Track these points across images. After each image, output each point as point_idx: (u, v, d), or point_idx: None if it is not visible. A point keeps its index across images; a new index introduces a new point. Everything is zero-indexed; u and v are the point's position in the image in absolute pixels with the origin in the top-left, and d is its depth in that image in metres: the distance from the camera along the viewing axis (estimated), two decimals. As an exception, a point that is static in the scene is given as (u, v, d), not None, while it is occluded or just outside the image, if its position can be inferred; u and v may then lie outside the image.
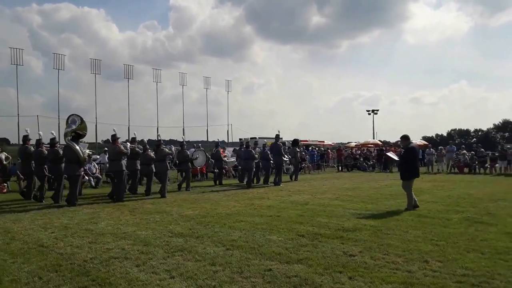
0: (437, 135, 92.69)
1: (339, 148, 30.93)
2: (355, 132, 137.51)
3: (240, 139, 39.30)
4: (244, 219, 7.81)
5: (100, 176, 16.13)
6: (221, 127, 54.63)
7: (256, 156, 16.15)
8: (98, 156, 18.38)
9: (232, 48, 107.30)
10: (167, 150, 13.01)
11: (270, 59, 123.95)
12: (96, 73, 40.47)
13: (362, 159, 27.66)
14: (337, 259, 4.97)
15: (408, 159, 9.17)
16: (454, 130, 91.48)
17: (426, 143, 35.03)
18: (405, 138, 9.53)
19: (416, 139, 37.00)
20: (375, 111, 53.13)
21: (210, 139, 45.29)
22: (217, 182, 16.77)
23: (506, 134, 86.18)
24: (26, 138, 12.03)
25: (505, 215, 7.88)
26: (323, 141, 42.06)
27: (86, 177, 15.72)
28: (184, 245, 5.77)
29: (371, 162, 27.30)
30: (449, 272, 4.39)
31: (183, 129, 44.94)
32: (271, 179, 16.45)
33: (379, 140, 41.95)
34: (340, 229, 6.72)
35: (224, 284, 4.16)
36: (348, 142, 41.31)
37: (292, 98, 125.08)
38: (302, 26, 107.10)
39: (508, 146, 26.56)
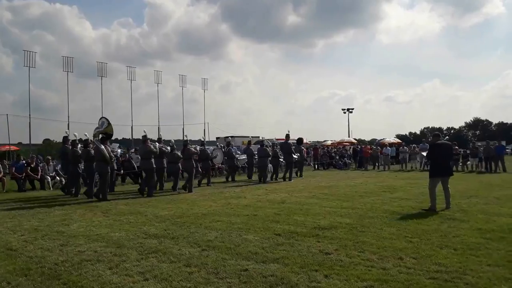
0: (410, 133, 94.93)
1: (315, 147, 31.13)
2: (331, 131, 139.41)
3: (217, 138, 39.25)
4: (220, 219, 7.75)
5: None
6: (198, 126, 54.37)
7: (270, 154, 17.28)
8: None
9: (208, 46, 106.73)
10: (193, 149, 14.04)
11: (247, 58, 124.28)
12: (69, 71, 39.83)
13: (337, 157, 27.92)
14: (313, 257, 4.97)
15: (432, 156, 8.93)
16: (427, 128, 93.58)
17: (399, 141, 35.69)
18: (433, 135, 9.72)
19: (390, 137, 37.70)
20: (350, 110, 53.83)
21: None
22: (229, 178, 17.76)
23: (477, 132, 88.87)
24: (65, 139, 13.34)
25: (477, 212, 8.04)
26: (300, 140, 42.21)
27: (58, 178, 15.49)
28: (159, 247, 5.67)
29: (344, 160, 27.51)
30: (422, 269, 4.44)
31: (159, 127, 44.50)
32: (280, 175, 17.82)
33: (354, 139, 42.57)
34: (316, 227, 6.74)
35: (199, 285, 4.11)
36: (324, 141, 41.65)
37: (269, 97, 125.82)
38: (278, 25, 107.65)
39: (479, 144, 27.32)
